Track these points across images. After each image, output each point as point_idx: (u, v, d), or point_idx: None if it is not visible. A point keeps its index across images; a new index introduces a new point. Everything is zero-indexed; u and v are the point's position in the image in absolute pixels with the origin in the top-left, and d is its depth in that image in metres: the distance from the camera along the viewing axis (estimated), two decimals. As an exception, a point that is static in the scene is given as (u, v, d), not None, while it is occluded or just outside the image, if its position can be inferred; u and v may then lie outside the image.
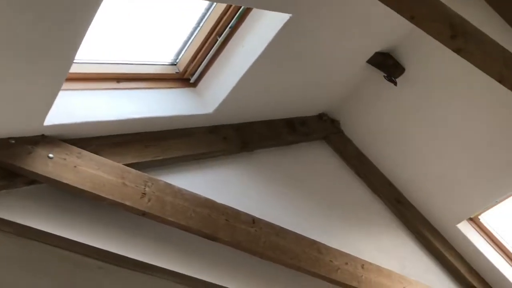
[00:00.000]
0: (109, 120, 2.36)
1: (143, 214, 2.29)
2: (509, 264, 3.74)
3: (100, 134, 2.40)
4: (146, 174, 2.39)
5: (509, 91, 1.94)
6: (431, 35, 1.78)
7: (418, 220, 3.69)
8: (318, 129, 3.70)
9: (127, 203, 2.23)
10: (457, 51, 1.76)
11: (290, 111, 3.47)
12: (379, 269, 3.02)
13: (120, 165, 2.32)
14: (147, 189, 2.31)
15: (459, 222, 3.66)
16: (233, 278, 2.66)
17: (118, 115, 2.40)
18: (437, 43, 1.83)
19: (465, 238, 3.66)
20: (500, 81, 1.87)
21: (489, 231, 3.78)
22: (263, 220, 2.72)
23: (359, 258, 2.98)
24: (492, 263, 3.64)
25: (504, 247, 3.78)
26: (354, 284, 2.83)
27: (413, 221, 3.67)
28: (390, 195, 3.73)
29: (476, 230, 3.76)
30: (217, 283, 2.60)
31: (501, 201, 3.63)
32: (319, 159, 3.64)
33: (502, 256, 3.75)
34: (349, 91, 3.67)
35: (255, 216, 2.70)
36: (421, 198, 3.72)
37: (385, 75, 3.38)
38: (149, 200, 2.29)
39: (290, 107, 3.44)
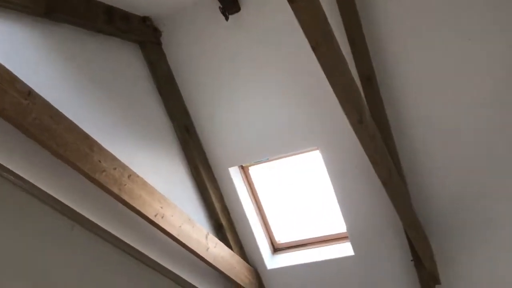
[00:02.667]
0: None
1: None
2: (256, 215, 4.21)
3: None
4: None
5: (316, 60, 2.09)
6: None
7: (197, 153, 3.84)
8: (137, 31, 3.49)
9: None
10: (290, 1, 1.80)
11: (115, -1, 3.18)
12: (144, 184, 3.04)
13: None
14: None
15: (231, 166, 3.94)
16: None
17: None
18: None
19: (231, 181, 3.96)
20: (313, 48, 2.00)
21: (252, 182, 4.18)
22: (43, 98, 2.45)
23: (129, 168, 2.95)
24: (244, 210, 4.04)
25: (259, 200, 4.23)
26: (115, 190, 2.79)
27: (193, 153, 3.80)
28: (182, 122, 3.77)
29: (242, 178, 4.11)
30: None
31: (271, 160, 4.03)
32: (126, 61, 3.45)
33: (254, 207, 4.19)
34: (182, 7, 3.53)
35: (34, 90, 2.40)
36: (209, 134, 3.87)
37: (221, 6, 3.35)
38: None
39: (117, -6, 3.14)
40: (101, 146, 2.76)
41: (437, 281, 3.75)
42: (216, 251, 3.66)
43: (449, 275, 3.78)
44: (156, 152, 3.55)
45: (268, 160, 4.06)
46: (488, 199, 3.45)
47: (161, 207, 3.16)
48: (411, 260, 3.69)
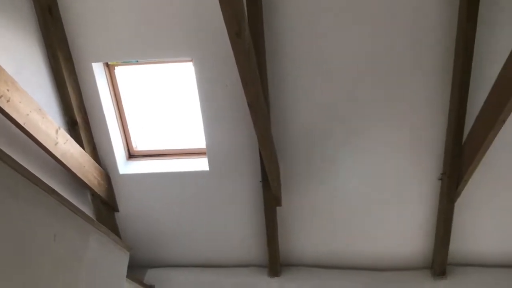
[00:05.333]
0: None
1: None
2: (116, 117, 4.02)
3: None
4: None
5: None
6: None
7: (58, 39, 3.45)
8: None
9: None
10: None
11: None
12: (-11, 60, 2.67)
13: None
14: None
15: (96, 61, 3.65)
16: None
17: None
18: None
19: (93, 78, 3.68)
20: None
21: (117, 83, 3.94)
22: None
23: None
24: (103, 110, 3.82)
25: (121, 103, 4.03)
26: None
27: (53, 38, 3.41)
28: (45, 1, 3.32)
29: (106, 77, 3.85)
30: None
31: (141, 63, 3.83)
32: None
33: (114, 110, 4.00)
34: None
35: None
36: (74, 21, 3.47)
37: None
38: None
39: None
40: None
41: (279, 203, 4.06)
42: (66, 147, 3.45)
43: (290, 199, 4.12)
44: (6, 24, 3.10)
45: (137, 63, 3.85)
46: (336, 136, 3.76)
47: (8, 90, 2.82)
48: (260, 181, 3.92)
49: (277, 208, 4.10)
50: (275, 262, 4.34)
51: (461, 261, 4.31)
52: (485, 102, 3.07)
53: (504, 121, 2.90)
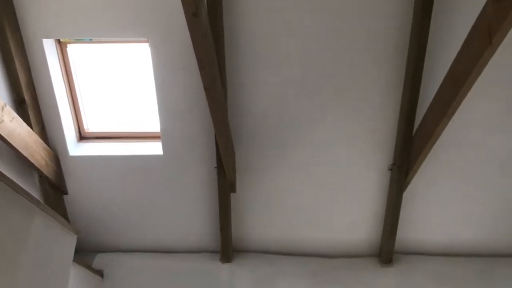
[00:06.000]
0: None
1: None
2: (66, 97, 3.88)
3: None
4: None
5: None
6: None
7: (5, 12, 3.27)
8: None
9: None
10: None
11: None
12: None
13: None
14: None
15: (46, 37, 3.49)
16: None
17: None
18: None
19: (43, 55, 3.53)
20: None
21: (69, 62, 3.80)
22: None
23: None
24: (54, 89, 3.68)
25: (73, 82, 3.89)
26: None
27: (1, 10, 3.24)
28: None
29: (58, 54, 3.70)
30: None
31: (95, 42, 3.70)
32: None
33: (65, 89, 3.85)
34: None
35: None
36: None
37: None
38: None
39: None
40: None
41: (233, 189, 4.05)
42: (12, 125, 3.30)
43: (245, 185, 4.12)
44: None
45: (91, 42, 3.71)
46: (291, 125, 3.79)
47: None
48: (215, 167, 3.89)
49: (231, 194, 4.10)
50: (227, 248, 4.34)
51: (407, 250, 4.46)
52: (435, 96, 3.17)
53: (452, 115, 3.00)
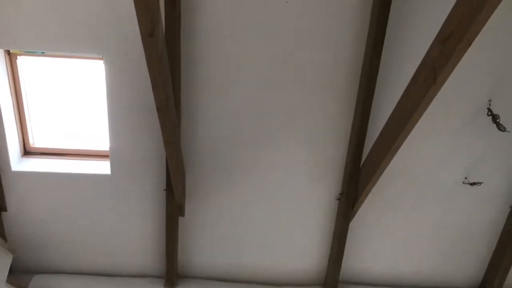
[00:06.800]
0: None
1: None
2: (13, 109, 3.75)
3: None
4: None
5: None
6: None
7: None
8: None
9: None
10: None
11: None
12: None
13: None
14: None
15: (-5, 47, 3.39)
16: None
17: None
18: None
19: (-9, 64, 3.41)
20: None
21: (17, 73, 3.68)
22: None
23: None
24: (-1, 100, 3.55)
25: (20, 95, 3.76)
26: None
27: None
28: None
29: (6, 65, 3.57)
30: None
31: (48, 55, 3.61)
32: None
33: (12, 101, 3.72)
34: None
35: None
36: None
37: None
38: None
39: None
40: None
41: (182, 213, 3.99)
42: (-50, 136, 3.14)
43: (194, 210, 4.07)
44: None
45: (44, 55, 3.62)
46: (243, 151, 3.81)
47: None
48: (164, 190, 3.83)
49: (179, 218, 4.03)
50: (172, 274, 4.24)
51: (353, 280, 4.51)
52: (382, 129, 3.28)
53: (397, 149, 3.11)
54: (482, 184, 3.98)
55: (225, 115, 3.65)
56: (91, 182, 3.93)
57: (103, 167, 3.93)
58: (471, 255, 4.44)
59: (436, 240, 4.31)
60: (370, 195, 3.78)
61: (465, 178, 3.98)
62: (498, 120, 3.62)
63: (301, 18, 3.29)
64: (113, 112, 3.62)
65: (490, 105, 3.64)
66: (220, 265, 4.39)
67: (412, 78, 2.78)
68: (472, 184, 3.97)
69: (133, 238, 4.23)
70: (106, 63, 3.43)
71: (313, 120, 3.68)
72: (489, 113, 3.64)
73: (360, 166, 3.71)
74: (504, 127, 3.61)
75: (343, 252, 4.18)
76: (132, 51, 3.31)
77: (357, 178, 3.74)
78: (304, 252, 4.34)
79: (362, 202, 3.80)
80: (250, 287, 4.40)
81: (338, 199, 3.99)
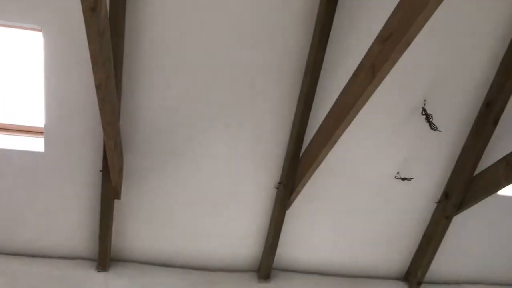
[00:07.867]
0: None
1: None
2: None
3: None
4: None
5: None
6: None
7: None
8: None
9: None
10: None
11: None
12: None
13: None
14: None
15: None
16: None
17: None
18: None
19: None
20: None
21: None
22: None
23: None
24: None
25: None
26: None
27: None
28: None
29: None
30: None
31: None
32: None
33: None
34: None
35: None
36: None
37: None
38: None
39: None
40: None
41: (118, 196, 3.91)
42: None
43: (130, 193, 4.00)
44: None
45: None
46: (184, 134, 3.79)
47: None
48: (100, 171, 3.73)
49: (115, 201, 3.95)
50: (104, 256, 4.15)
51: (286, 267, 4.62)
52: (322, 123, 3.36)
53: (335, 142, 3.21)
54: (412, 180, 4.18)
55: (167, 98, 3.60)
56: (22, 159, 3.75)
57: (36, 144, 3.77)
58: (398, 247, 4.67)
59: (366, 232, 4.50)
60: (307, 186, 3.87)
61: (397, 173, 4.17)
62: (431, 120, 3.80)
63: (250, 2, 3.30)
64: (50, 87, 3.47)
65: (425, 104, 3.82)
66: (155, 249, 4.35)
67: (352, 75, 2.86)
68: (403, 179, 4.17)
69: (67, 219, 4.09)
70: (45, 35, 3.27)
71: (256, 109, 3.72)
72: (423, 112, 3.81)
73: (299, 157, 3.79)
74: (436, 127, 3.80)
75: (278, 240, 4.27)
76: (74, 25, 3.17)
77: (296, 168, 3.82)
78: (241, 239, 4.39)
79: (299, 192, 3.89)
80: (185, 272, 4.40)
81: (277, 188, 4.06)
